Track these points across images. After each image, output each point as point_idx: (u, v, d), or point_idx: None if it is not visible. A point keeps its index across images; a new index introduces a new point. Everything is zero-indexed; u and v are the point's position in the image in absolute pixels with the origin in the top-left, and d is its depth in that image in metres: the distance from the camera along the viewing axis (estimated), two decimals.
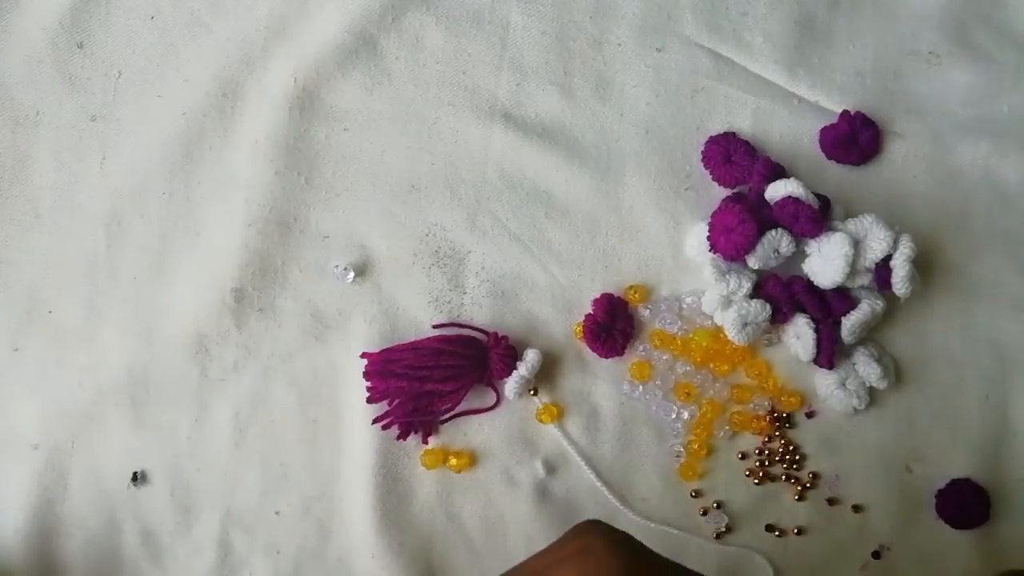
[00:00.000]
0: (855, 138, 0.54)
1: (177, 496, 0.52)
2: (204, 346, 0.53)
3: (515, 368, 0.51)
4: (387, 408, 0.51)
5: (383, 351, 0.52)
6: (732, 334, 0.51)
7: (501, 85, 0.55)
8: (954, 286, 0.54)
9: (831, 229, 0.51)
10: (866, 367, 0.52)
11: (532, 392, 0.52)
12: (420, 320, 0.53)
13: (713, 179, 0.54)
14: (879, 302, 0.52)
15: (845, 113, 0.55)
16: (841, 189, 0.54)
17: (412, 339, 0.53)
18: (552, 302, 0.54)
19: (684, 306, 0.54)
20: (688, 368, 0.53)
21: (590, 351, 0.53)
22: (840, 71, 0.56)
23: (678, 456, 0.52)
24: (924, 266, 0.53)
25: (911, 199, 0.55)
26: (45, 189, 0.54)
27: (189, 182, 0.54)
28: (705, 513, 0.52)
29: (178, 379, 0.52)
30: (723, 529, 0.52)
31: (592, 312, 0.53)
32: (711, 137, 0.55)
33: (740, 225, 0.50)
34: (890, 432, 0.53)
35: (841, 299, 0.51)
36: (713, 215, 0.52)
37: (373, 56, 0.55)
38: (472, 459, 0.52)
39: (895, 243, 0.50)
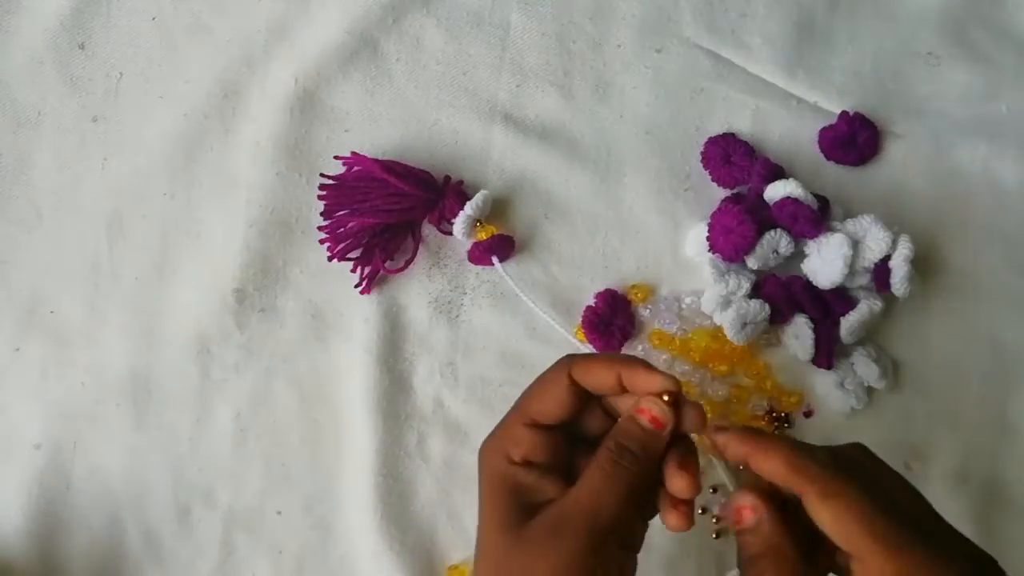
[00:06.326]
0: (854, 139, 0.55)
1: (179, 496, 0.52)
2: (206, 346, 0.53)
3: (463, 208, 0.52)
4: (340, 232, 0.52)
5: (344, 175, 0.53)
6: (731, 334, 0.51)
7: (501, 86, 0.56)
8: (953, 286, 0.55)
9: (830, 229, 0.51)
10: (865, 367, 0.52)
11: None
12: (420, 320, 0.53)
13: (713, 180, 0.55)
14: (878, 302, 0.52)
15: (844, 114, 0.55)
16: (840, 189, 0.55)
17: (412, 340, 0.53)
18: (552, 302, 0.54)
19: (683, 306, 0.54)
20: (687, 368, 0.53)
21: (590, 351, 0.53)
22: (839, 72, 0.56)
23: None
24: (923, 266, 0.53)
25: (910, 199, 0.55)
26: (47, 190, 0.54)
27: (190, 183, 0.54)
28: (703, 511, 0.52)
29: (180, 379, 0.53)
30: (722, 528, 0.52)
31: (593, 305, 0.53)
32: (710, 138, 0.55)
33: (739, 226, 0.50)
34: (888, 431, 0.53)
35: (840, 299, 0.52)
36: (712, 215, 0.52)
37: (374, 57, 0.55)
38: None
39: (894, 243, 0.51)
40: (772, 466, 0.36)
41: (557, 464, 0.39)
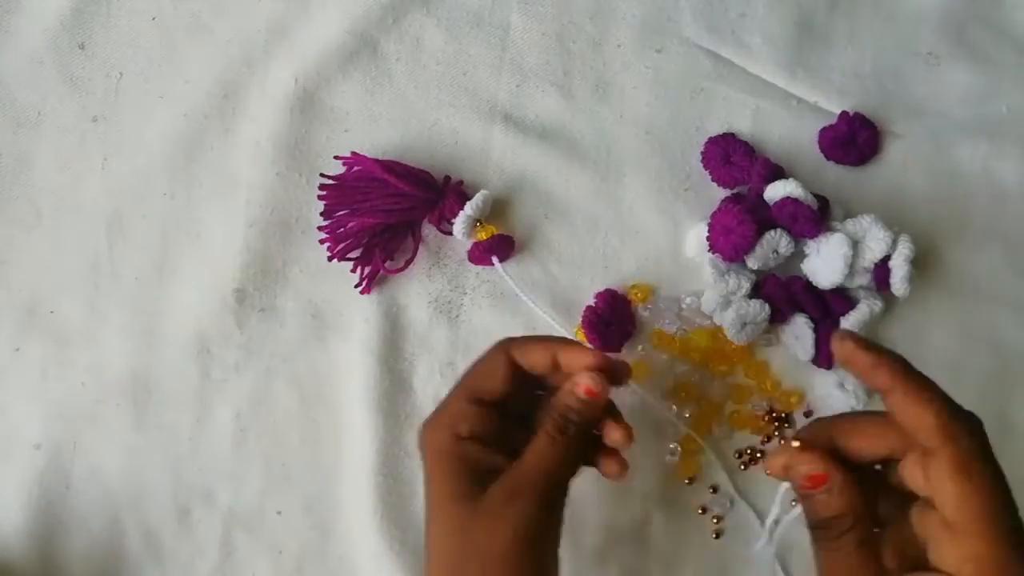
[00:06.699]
0: (854, 139, 0.55)
1: (179, 496, 0.52)
2: (206, 346, 0.53)
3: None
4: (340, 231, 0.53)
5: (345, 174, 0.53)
6: (731, 334, 0.51)
7: (501, 86, 0.56)
8: (953, 286, 0.55)
9: (830, 229, 0.51)
10: None
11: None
12: (420, 320, 0.53)
13: (713, 180, 0.55)
14: (878, 302, 0.52)
15: (844, 114, 0.55)
16: (840, 189, 0.55)
17: (412, 340, 0.53)
18: (552, 302, 0.54)
19: (683, 306, 0.54)
20: (687, 368, 0.53)
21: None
22: (839, 72, 0.57)
23: (676, 456, 0.52)
24: (923, 266, 0.53)
25: (910, 199, 0.55)
26: (47, 190, 0.54)
27: (190, 183, 0.54)
28: (704, 511, 0.52)
29: (180, 379, 0.53)
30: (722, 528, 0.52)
31: (593, 305, 0.53)
32: (710, 138, 0.55)
33: (739, 226, 0.50)
34: None
35: (840, 299, 0.52)
36: (712, 215, 0.52)
37: (374, 57, 0.55)
38: None
39: (894, 243, 0.51)
40: (925, 420, 0.35)
41: (498, 438, 0.43)
